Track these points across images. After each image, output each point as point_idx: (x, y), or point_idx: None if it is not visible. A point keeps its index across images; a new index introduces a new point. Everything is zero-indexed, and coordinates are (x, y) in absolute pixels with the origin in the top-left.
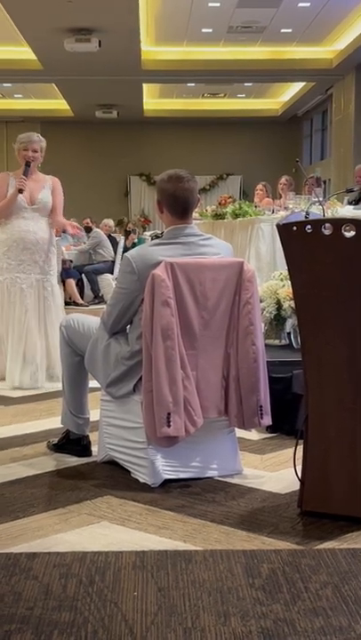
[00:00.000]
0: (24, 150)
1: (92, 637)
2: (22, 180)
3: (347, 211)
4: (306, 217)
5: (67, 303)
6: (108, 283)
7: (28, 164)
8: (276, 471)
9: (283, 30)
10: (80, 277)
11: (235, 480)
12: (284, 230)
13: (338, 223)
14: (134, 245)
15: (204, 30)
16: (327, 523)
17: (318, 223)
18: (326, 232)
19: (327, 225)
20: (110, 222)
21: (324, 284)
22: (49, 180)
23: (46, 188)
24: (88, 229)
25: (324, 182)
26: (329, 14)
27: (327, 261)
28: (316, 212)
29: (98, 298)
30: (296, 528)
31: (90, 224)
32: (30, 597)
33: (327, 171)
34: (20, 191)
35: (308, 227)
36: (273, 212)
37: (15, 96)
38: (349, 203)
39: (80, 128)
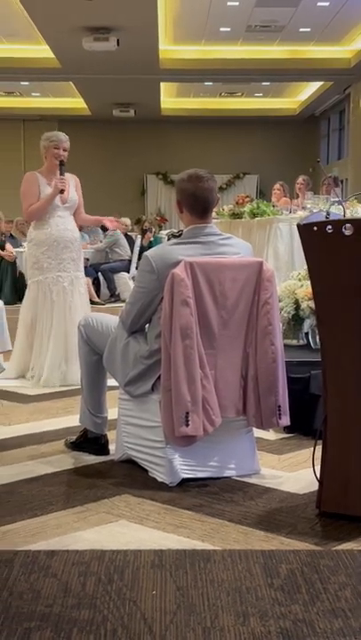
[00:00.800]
0: (55, 149)
1: (112, 636)
2: (62, 180)
3: None
4: (326, 217)
5: None
6: (125, 281)
7: (62, 163)
8: (293, 471)
9: (301, 30)
10: (96, 276)
11: (253, 480)
12: (305, 230)
13: (359, 224)
14: (151, 244)
15: (222, 29)
16: (346, 524)
17: (339, 223)
18: (347, 232)
19: (348, 225)
20: (127, 221)
21: (344, 284)
22: (71, 179)
23: (72, 187)
24: (105, 228)
25: (342, 182)
26: (348, 14)
27: (348, 262)
28: (336, 212)
29: (114, 296)
30: (315, 529)
31: None
32: (49, 595)
33: (344, 170)
34: (62, 191)
35: (329, 227)
36: (291, 211)
37: (33, 94)
38: None
39: (97, 127)
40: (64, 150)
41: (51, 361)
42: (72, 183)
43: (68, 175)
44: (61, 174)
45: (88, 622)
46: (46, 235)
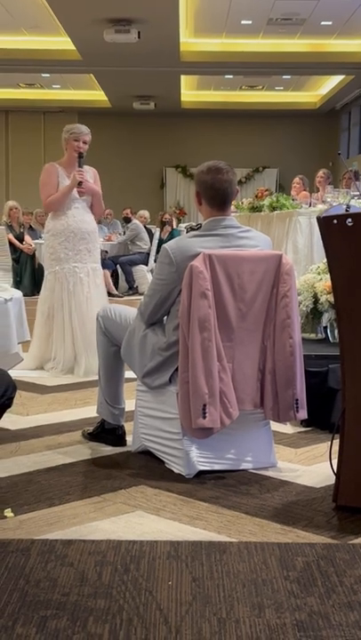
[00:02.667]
0: (75, 141)
1: (127, 625)
2: (81, 172)
3: None
4: (346, 210)
5: None
6: (143, 274)
7: (81, 156)
8: (310, 465)
9: (323, 23)
10: (115, 268)
11: (269, 473)
12: (325, 223)
13: None
14: (170, 237)
15: (243, 22)
16: None
17: (359, 217)
18: None
19: None
20: (146, 213)
21: None
22: (90, 171)
23: (90, 179)
24: (127, 220)
25: None
26: None
27: None
28: (356, 205)
29: (132, 289)
30: (331, 522)
31: (130, 215)
32: (66, 584)
33: None
34: (80, 183)
35: (350, 220)
36: (310, 205)
37: (53, 86)
38: None
39: (117, 119)
40: (84, 143)
41: (78, 351)
42: (90, 175)
43: (86, 167)
44: (80, 166)
45: (104, 611)
46: (63, 226)
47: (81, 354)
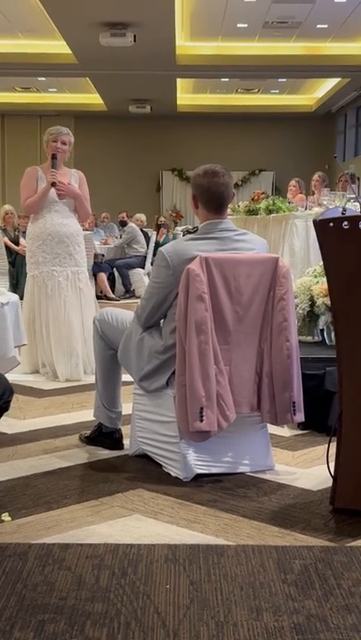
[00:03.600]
0: (53, 142)
1: (125, 629)
2: (53, 173)
3: None
4: (342, 213)
5: (98, 297)
6: (140, 277)
7: (54, 157)
8: (307, 468)
9: (318, 26)
10: (111, 272)
11: (266, 476)
12: (321, 226)
13: None
14: (166, 240)
15: (239, 25)
16: (360, 520)
17: (355, 219)
18: None
19: None
20: (142, 217)
21: (360, 279)
22: (75, 174)
23: (73, 182)
24: (123, 223)
25: (358, 179)
26: None
27: None
28: (352, 208)
29: (129, 292)
30: (328, 525)
31: (125, 218)
32: (63, 588)
33: None
34: (53, 184)
35: (345, 223)
36: (307, 208)
37: (50, 90)
38: None
39: (113, 122)
40: (62, 143)
41: (55, 357)
42: (74, 179)
43: (70, 171)
44: (53, 167)
45: (101, 615)
46: (41, 229)
47: (58, 359)
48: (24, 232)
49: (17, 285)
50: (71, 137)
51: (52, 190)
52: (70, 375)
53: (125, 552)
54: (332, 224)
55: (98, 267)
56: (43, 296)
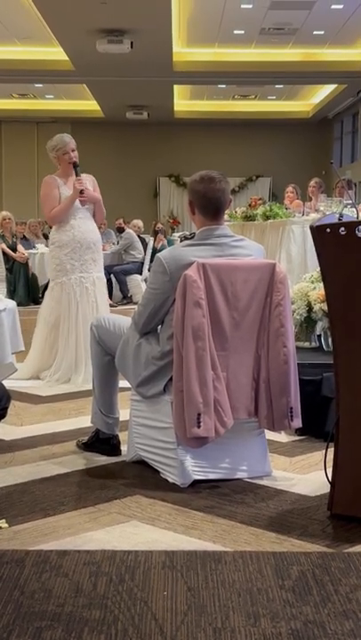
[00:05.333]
0: (64, 154)
1: (123, 635)
2: (80, 180)
3: None
4: (339, 219)
5: None
6: (137, 283)
7: (76, 165)
8: (305, 474)
9: (315, 32)
10: (109, 278)
11: (264, 482)
12: (318, 232)
13: None
14: (163, 247)
15: (236, 32)
16: (357, 526)
17: (352, 225)
18: (360, 234)
19: None
20: (140, 223)
21: (357, 285)
22: (88, 179)
23: (90, 187)
24: (120, 230)
25: (355, 184)
26: None
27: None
28: (349, 214)
29: (126, 298)
30: (326, 531)
31: (122, 225)
32: (61, 594)
33: (358, 173)
34: (82, 192)
35: (342, 229)
36: (304, 214)
37: (46, 97)
38: None
39: (110, 129)
40: (72, 151)
41: (72, 361)
42: (90, 183)
43: (85, 175)
44: (77, 175)
45: (99, 622)
46: (69, 237)
47: (82, 361)
48: (22, 238)
49: (14, 292)
50: (73, 140)
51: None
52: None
53: (123, 558)
54: (329, 230)
55: None
56: (72, 302)
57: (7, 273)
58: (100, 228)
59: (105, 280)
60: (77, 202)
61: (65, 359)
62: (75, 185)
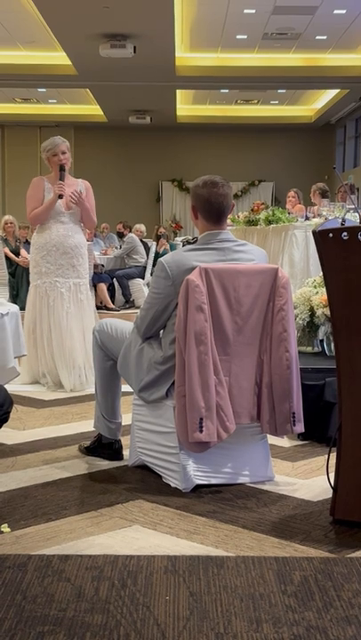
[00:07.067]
0: (54, 156)
1: None
2: (61, 185)
3: None
4: (342, 224)
5: (98, 308)
6: (140, 288)
7: (62, 169)
8: (307, 479)
9: (318, 37)
10: (111, 282)
11: (266, 487)
12: (320, 237)
13: None
14: (165, 251)
15: (238, 37)
16: (359, 531)
17: (355, 230)
18: None
19: None
20: (142, 227)
21: (359, 290)
22: (81, 184)
23: (83, 192)
24: (121, 234)
25: (358, 189)
26: None
27: None
28: (351, 219)
29: (129, 302)
30: (328, 536)
31: (123, 229)
32: (63, 599)
33: (360, 178)
34: (61, 196)
35: (345, 234)
36: (308, 218)
37: (49, 101)
38: None
39: (113, 133)
40: (63, 153)
41: (60, 366)
42: (81, 189)
43: (77, 181)
44: (61, 179)
45: (101, 627)
46: (46, 239)
47: (62, 370)
48: (25, 242)
49: (17, 296)
50: (66, 142)
51: (59, 202)
52: (73, 386)
53: (125, 563)
54: (331, 235)
55: (98, 277)
56: (44, 306)
57: (10, 277)
58: (102, 232)
59: (87, 287)
60: (60, 205)
61: (46, 365)
62: (55, 189)
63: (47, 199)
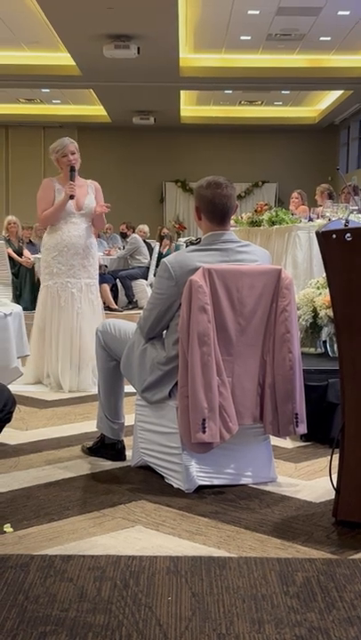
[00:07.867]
0: (63, 157)
1: None
2: (72, 185)
3: None
4: (345, 225)
5: None
6: (143, 288)
7: (73, 169)
8: (310, 480)
9: (322, 38)
10: (114, 282)
11: (269, 488)
12: (324, 238)
13: None
14: (169, 252)
15: (242, 38)
16: None
17: (358, 231)
18: None
19: None
20: (146, 228)
21: None
22: (91, 185)
23: (90, 193)
24: (124, 235)
25: None
26: None
27: None
28: (355, 220)
29: (132, 303)
30: (331, 537)
31: (125, 230)
32: (65, 599)
33: None
34: (72, 197)
35: (348, 235)
36: (311, 219)
37: (53, 102)
38: None
39: (117, 134)
40: (73, 154)
41: (62, 368)
42: (91, 190)
43: (87, 181)
44: (71, 179)
45: (103, 627)
46: (57, 240)
47: (65, 370)
48: (28, 243)
49: (20, 296)
50: (75, 143)
51: (70, 202)
52: (78, 386)
53: (127, 564)
54: (334, 236)
55: (101, 278)
56: (55, 307)
57: (13, 277)
58: (105, 232)
59: (97, 287)
60: (71, 206)
61: (52, 365)
62: (66, 189)
63: (58, 200)
